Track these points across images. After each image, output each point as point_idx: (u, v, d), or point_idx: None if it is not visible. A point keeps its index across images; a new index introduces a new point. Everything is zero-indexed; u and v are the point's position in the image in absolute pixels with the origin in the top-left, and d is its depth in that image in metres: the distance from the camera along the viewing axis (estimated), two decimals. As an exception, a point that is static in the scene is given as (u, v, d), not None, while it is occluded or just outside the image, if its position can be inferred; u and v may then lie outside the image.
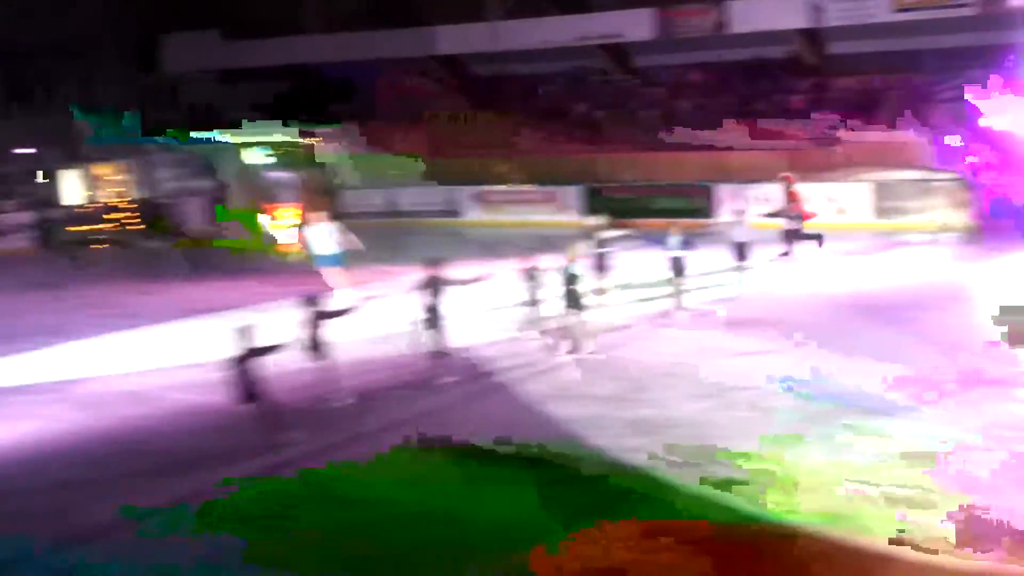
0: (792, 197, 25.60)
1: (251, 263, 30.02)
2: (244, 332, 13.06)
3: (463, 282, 17.12)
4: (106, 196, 36.84)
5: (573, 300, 17.22)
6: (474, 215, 37.48)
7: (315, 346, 14.53)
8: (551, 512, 11.19)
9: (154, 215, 35.58)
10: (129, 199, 36.86)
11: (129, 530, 11.30)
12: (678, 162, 37.12)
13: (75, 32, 40.28)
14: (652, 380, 15.83)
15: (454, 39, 40.45)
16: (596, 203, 35.12)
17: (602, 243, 21.34)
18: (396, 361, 17.15)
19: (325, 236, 22.85)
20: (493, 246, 30.57)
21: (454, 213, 37.83)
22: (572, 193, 36.12)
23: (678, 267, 19.69)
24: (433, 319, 16.09)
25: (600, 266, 21.02)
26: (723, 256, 22.62)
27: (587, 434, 13.49)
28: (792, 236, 25.02)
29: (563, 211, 35.83)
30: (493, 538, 10.65)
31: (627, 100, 41.27)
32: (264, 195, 36.17)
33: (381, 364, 17.20)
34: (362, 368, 16.49)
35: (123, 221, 34.65)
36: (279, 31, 43.56)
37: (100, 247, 33.92)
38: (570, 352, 17.25)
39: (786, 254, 24.91)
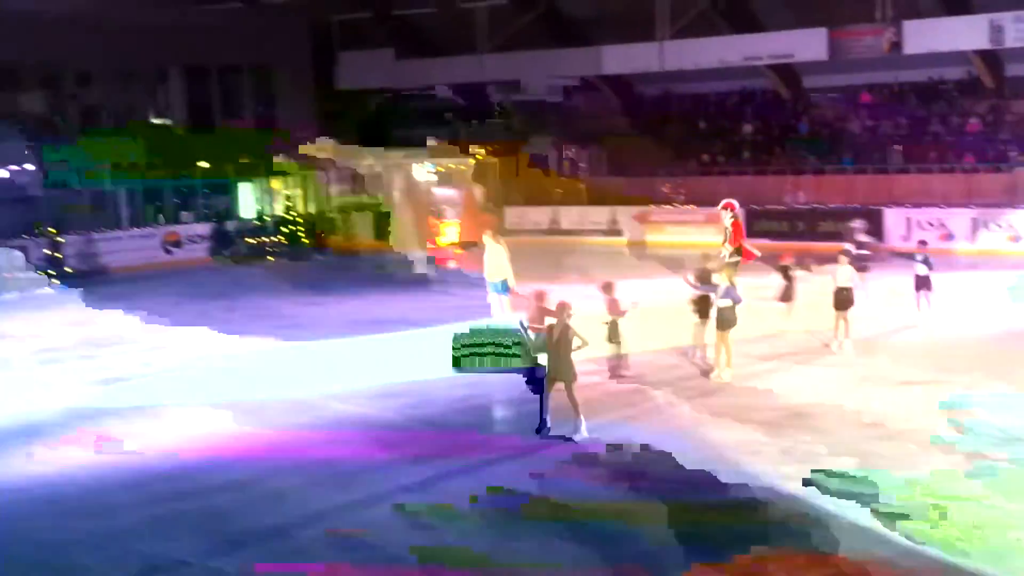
0: (735, 229, 22.65)
1: (413, 277, 30.51)
2: None
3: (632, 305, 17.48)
4: (279, 209, 37.97)
5: (725, 322, 17.05)
6: (636, 235, 37.37)
7: None
8: (707, 537, 11.07)
9: (323, 228, 36.50)
10: (300, 212, 37.89)
11: (286, 537, 11.60)
12: (846, 184, 36.43)
13: (254, 50, 41.65)
14: (812, 407, 15.52)
15: (621, 59, 40.47)
16: (759, 225, 34.77)
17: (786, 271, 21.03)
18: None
19: (492, 258, 21.53)
20: (654, 266, 30.55)
21: (616, 232, 37.79)
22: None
23: (844, 299, 18.98)
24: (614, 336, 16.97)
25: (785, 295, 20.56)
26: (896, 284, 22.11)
27: (744, 459, 13.30)
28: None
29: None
30: (650, 559, 10.59)
31: (794, 121, 40.69)
32: (430, 211, 36.83)
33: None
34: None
35: (293, 234, 35.62)
36: (451, 51, 44.30)
37: (271, 259, 34.94)
38: (723, 375, 17.15)
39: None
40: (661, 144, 41.50)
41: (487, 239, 21.66)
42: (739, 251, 22.01)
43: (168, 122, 41.32)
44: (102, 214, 36.17)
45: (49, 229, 31.24)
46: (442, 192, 38.14)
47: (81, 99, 39.02)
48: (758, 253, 22.84)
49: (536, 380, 14.50)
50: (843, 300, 18.87)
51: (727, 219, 22.26)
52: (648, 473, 13.04)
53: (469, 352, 17.43)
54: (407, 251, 34.38)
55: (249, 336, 22.16)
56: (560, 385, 14.26)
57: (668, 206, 37.41)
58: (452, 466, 13.45)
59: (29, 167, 35.06)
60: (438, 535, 11.43)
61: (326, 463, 13.76)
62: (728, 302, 17.03)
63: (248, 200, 39.99)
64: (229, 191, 38.87)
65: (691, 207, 36.76)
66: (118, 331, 23.53)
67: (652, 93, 45.11)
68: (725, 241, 22.08)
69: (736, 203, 22.80)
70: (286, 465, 13.84)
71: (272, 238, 35.66)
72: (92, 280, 31.51)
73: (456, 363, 17.59)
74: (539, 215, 39.04)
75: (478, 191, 38.47)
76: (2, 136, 35.90)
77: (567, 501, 12.13)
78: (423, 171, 39.29)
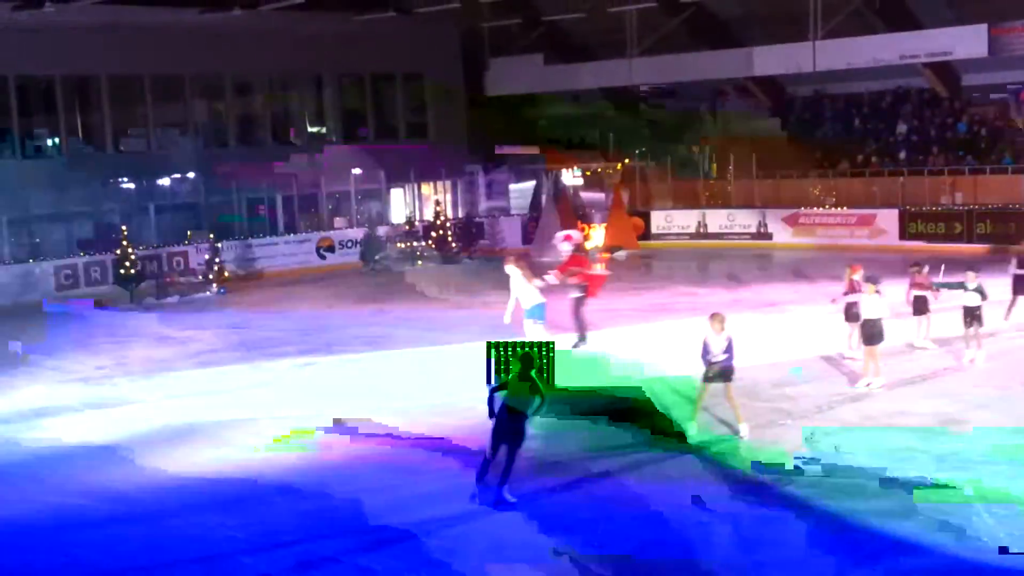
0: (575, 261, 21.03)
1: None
2: None
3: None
4: (429, 214, 38.56)
5: (873, 336, 16.70)
6: (785, 238, 36.84)
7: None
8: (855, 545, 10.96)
9: (470, 233, 36.93)
10: (449, 217, 38.41)
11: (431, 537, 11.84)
12: (1006, 185, 35.29)
13: (407, 58, 42.39)
14: (963, 414, 15.15)
15: (773, 60, 39.90)
16: (913, 227, 33.99)
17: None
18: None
19: (517, 287, 20.07)
20: (804, 269, 30.12)
21: (766, 236, 37.32)
22: (888, 216, 34.95)
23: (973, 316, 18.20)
24: None
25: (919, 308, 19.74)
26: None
27: (897, 466, 13.08)
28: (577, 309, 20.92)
29: (878, 235, 34.77)
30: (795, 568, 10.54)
31: (952, 120, 39.58)
32: (577, 214, 36.94)
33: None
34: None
35: (442, 239, 36.13)
36: (599, 55, 44.34)
37: (421, 263, 35.51)
38: (874, 380, 16.83)
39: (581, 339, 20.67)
40: (812, 145, 40.83)
41: (508, 268, 20.35)
42: (584, 287, 20.94)
43: (323, 130, 42.32)
44: (259, 220, 37.34)
45: (209, 236, 32.31)
46: (589, 196, 38.21)
47: (240, 109, 40.23)
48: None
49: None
50: (971, 317, 18.23)
51: (566, 249, 21.22)
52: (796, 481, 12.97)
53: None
54: (551, 256, 34.53)
55: (397, 340, 22.61)
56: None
57: (819, 208, 36.79)
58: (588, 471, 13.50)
59: (192, 175, 36.34)
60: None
61: (470, 467, 13.98)
62: (877, 314, 16.63)
63: (399, 205, 40.73)
64: (381, 197, 39.66)
65: (843, 209, 36.11)
66: (273, 334, 24.25)
67: (803, 94, 44.41)
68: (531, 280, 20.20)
69: (575, 234, 21.73)
70: (432, 467, 14.11)
71: (422, 243, 36.22)
72: (249, 284, 32.53)
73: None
74: (686, 218, 38.80)
75: (625, 194, 38.42)
76: (167, 145, 37.34)
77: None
78: (570, 174, 39.43)
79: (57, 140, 36.05)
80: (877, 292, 17.05)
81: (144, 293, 30.33)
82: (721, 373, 14.64)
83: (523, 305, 20.02)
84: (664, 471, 13.59)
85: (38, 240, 33.34)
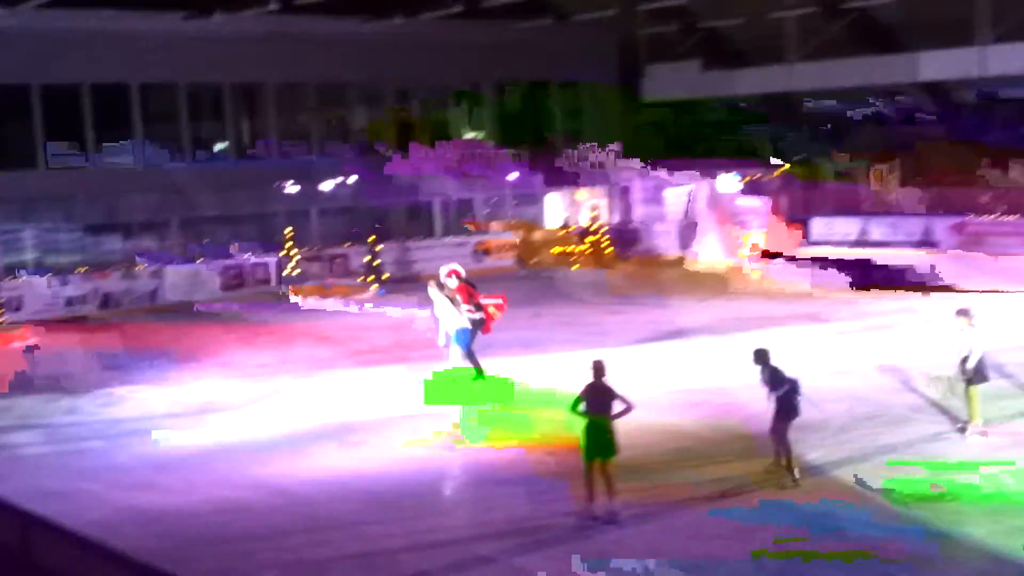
0: (462, 293, 18.62)
1: (716, 287, 30.35)
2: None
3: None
4: (584, 219, 38.58)
5: (977, 376, 14.99)
6: (951, 246, 35.76)
7: None
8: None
9: (625, 239, 36.84)
10: (604, 222, 38.40)
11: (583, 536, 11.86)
12: None
13: (564, 65, 42.60)
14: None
15: (938, 65, 38.85)
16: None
17: None
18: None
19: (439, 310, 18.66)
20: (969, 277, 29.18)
21: (931, 244, 36.27)
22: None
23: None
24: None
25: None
26: None
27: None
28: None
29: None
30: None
31: None
32: (734, 220, 36.54)
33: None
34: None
35: (597, 244, 36.13)
36: (758, 60, 43.82)
37: (576, 267, 35.56)
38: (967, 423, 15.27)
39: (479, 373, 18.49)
40: (979, 152, 39.55)
41: (430, 291, 18.72)
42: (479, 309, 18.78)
43: (479, 135, 42.77)
44: (417, 223, 37.96)
45: (369, 238, 32.95)
46: (746, 202, 37.73)
47: (400, 115, 40.93)
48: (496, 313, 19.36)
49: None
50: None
51: (452, 284, 18.73)
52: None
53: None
54: (708, 262, 34.27)
55: (554, 343, 22.71)
56: None
57: (987, 216, 35.64)
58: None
59: (352, 180, 37.12)
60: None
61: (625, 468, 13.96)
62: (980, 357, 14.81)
63: (555, 210, 40.89)
64: (536, 201, 39.89)
65: (1013, 218, 34.91)
66: (430, 336, 24.56)
67: (970, 99, 43.08)
68: (458, 306, 18.49)
69: (460, 269, 19.24)
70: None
71: (577, 247, 36.26)
72: (407, 286, 33.04)
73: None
74: (847, 226, 37.97)
75: (784, 201, 37.83)
76: (328, 150, 38.27)
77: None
78: (728, 181, 39.01)
79: (225, 145, 37.27)
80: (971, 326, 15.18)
81: (306, 293, 31.06)
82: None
83: (446, 329, 18.66)
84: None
85: (206, 241, 34.49)
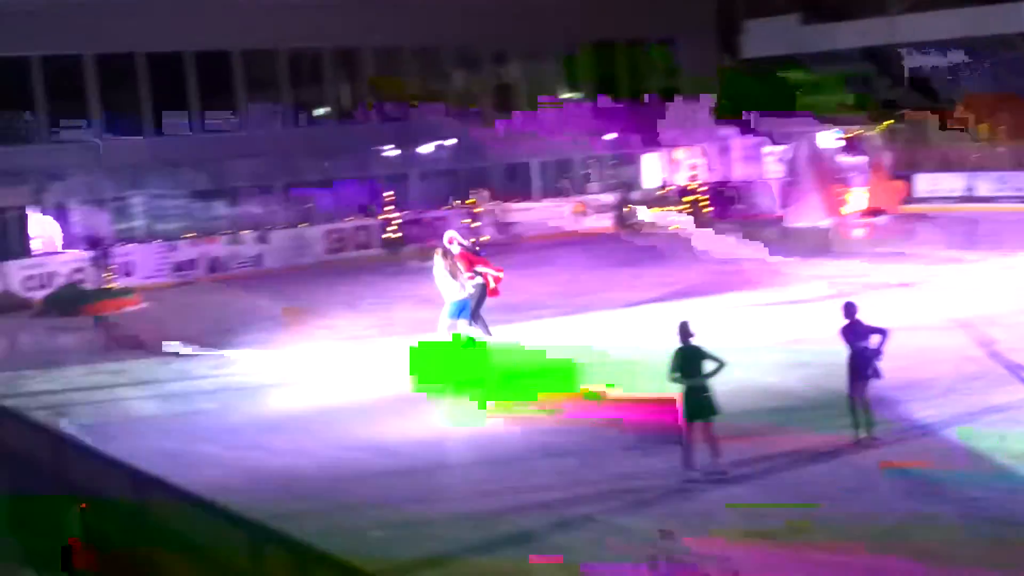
0: (465, 260, 19.08)
1: (816, 245, 30.03)
2: None
3: None
4: (682, 179, 38.35)
5: None
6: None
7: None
8: None
9: (724, 198, 36.55)
10: (702, 182, 38.13)
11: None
12: None
13: (660, 23, 42.25)
14: None
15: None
16: None
17: None
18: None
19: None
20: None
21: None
22: None
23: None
24: None
25: None
26: None
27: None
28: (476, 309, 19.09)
29: None
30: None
31: None
32: (835, 179, 36.00)
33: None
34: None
35: (695, 203, 35.89)
36: (859, 13, 42.99)
37: (675, 228, 35.38)
38: None
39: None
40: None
41: (435, 258, 19.20)
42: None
43: (577, 96, 42.70)
44: (515, 185, 38.11)
45: (468, 200, 33.19)
46: (848, 159, 37.15)
47: (498, 77, 41.00)
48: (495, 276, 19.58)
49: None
50: None
51: (455, 250, 19.14)
52: None
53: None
54: (808, 220, 33.83)
55: (652, 301, 22.72)
56: None
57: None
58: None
59: (450, 142, 37.34)
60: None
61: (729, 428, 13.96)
62: None
63: (653, 170, 40.70)
64: (633, 161, 39.78)
65: None
66: (529, 297, 24.79)
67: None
68: (459, 274, 19.00)
69: (458, 236, 19.66)
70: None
71: (675, 207, 36.08)
72: (506, 248, 33.21)
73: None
74: (953, 181, 37.19)
75: (887, 157, 37.16)
76: (427, 113, 38.48)
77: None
78: (829, 138, 38.43)
79: (326, 110, 37.72)
80: None
81: (408, 256, 31.39)
82: None
83: (444, 298, 18.98)
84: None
85: (309, 205, 35.04)
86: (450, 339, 18.15)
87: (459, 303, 18.89)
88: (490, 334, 19.12)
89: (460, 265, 18.96)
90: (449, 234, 19.73)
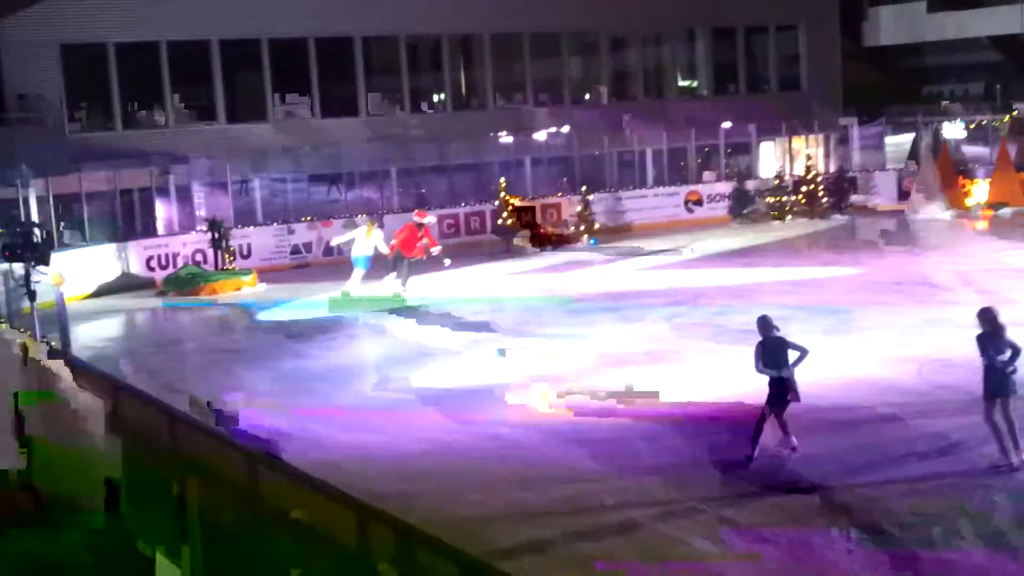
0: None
1: (934, 238, 29.45)
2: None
3: None
4: (799, 169, 37.81)
5: None
6: None
7: None
8: None
9: (841, 188, 35.94)
10: (820, 171, 37.55)
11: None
12: None
13: (781, 9, 41.72)
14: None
15: None
16: None
17: None
18: None
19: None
20: None
21: None
22: None
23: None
24: None
25: None
26: None
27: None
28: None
29: None
30: None
31: None
32: (958, 169, 35.22)
33: None
34: None
35: (813, 193, 35.36)
36: (989, 0, 41.93)
37: (790, 218, 34.93)
38: None
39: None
40: None
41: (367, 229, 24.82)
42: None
43: (694, 84, 42.40)
44: (629, 173, 38.02)
45: (582, 188, 33.21)
46: (973, 150, 36.30)
47: (614, 64, 40.89)
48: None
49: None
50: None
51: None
52: None
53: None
54: (930, 212, 33.17)
55: (763, 293, 22.53)
56: None
57: None
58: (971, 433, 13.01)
59: (564, 129, 37.36)
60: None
61: (837, 423, 13.80)
62: None
63: (769, 159, 40.23)
64: (751, 150, 39.36)
65: None
66: (636, 283, 24.80)
67: None
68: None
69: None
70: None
71: (792, 197, 35.62)
72: (619, 236, 33.18)
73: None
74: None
75: (1012, 147, 36.15)
76: (544, 101, 38.60)
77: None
78: (954, 128, 37.64)
79: (442, 96, 38.06)
80: None
81: (521, 243, 31.51)
82: None
83: (354, 252, 24.41)
84: None
85: (423, 191, 35.38)
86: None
87: (363, 258, 24.46)
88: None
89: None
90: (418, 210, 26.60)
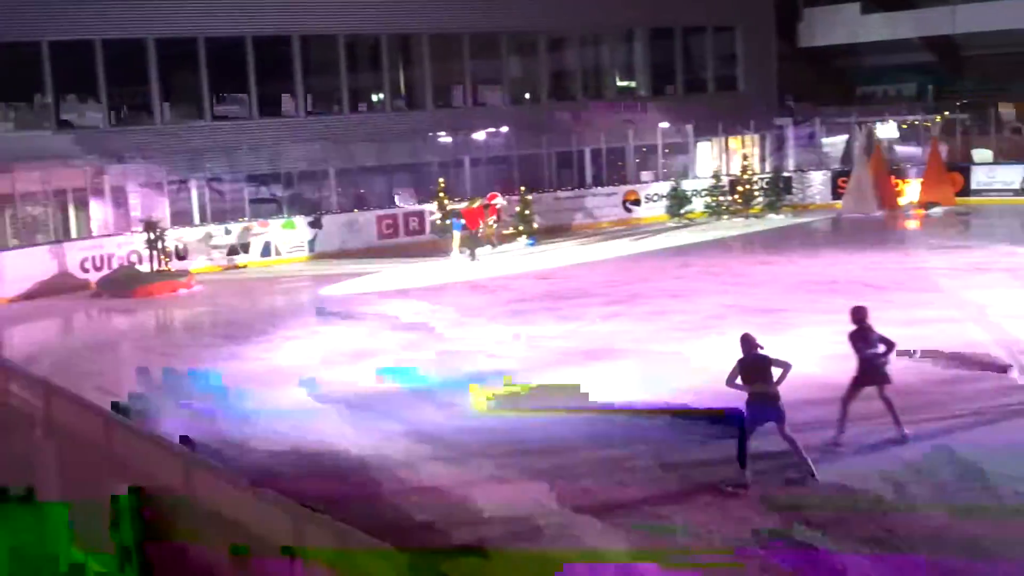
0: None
1: (868, 237, 29.83)
2: None
3: None
4: (736, 168, 38.15)
5: None
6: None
7: None
8: None
9: (777, 187, 36.35)
10: (755, 172, 37.94)
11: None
12: None
13: (718, 11, 42.03)
14: None
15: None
16: None
17: None
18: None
19: None
20: None
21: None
22: None
23: None
24: None
25: None
26: None
27: None
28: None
29: None
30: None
31: None
32: (890, 169, 35.72)
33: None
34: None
35: (749, 193, 35.72)
36: (920, 2, 42.54)
37: (727, 218, 35.26)
38: None
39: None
40: None
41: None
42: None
43: (632, 84, 42.61)
44: (567, 173, 38.15)
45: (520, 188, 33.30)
46: (905, 150, 36.84)
47: (553, 65, 40.96)
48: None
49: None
50: None
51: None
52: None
53: None
54: (863, 211, 33.61)
55: (701, 292, 22.72)
56: None
57: None
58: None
59: (503, 129, 37.41)
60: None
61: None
62: None
63: (706, 159, 40.55)
64: (688, 150, 39.64)
65: None
66: (579, 285, 24.88)
67: None
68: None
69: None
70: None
71: (728, 197, 35.95)
72: (557, 236, 33.30)
73: None
74: (1011, 174, 36.69)
75: (943, 148, 36.75)
76: (481, 100, 38.58)
77: None
78: (887, 128, 38.13)
79: (381, 96, 37.91)
80: None
81: (459, 243, 31.50)
82: None
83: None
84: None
85: (362, 191, 35.27)
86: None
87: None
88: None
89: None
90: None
